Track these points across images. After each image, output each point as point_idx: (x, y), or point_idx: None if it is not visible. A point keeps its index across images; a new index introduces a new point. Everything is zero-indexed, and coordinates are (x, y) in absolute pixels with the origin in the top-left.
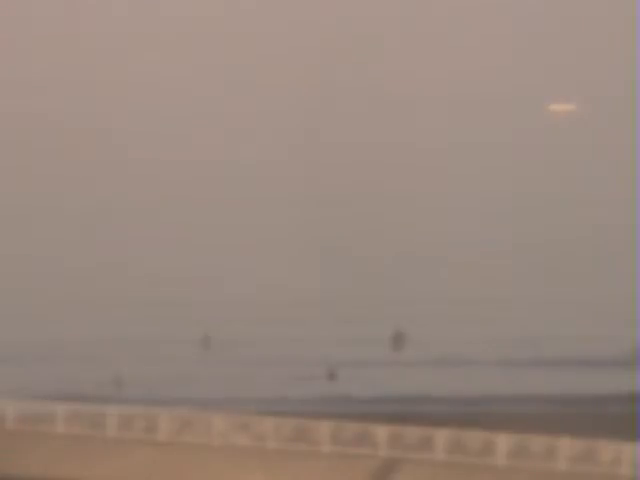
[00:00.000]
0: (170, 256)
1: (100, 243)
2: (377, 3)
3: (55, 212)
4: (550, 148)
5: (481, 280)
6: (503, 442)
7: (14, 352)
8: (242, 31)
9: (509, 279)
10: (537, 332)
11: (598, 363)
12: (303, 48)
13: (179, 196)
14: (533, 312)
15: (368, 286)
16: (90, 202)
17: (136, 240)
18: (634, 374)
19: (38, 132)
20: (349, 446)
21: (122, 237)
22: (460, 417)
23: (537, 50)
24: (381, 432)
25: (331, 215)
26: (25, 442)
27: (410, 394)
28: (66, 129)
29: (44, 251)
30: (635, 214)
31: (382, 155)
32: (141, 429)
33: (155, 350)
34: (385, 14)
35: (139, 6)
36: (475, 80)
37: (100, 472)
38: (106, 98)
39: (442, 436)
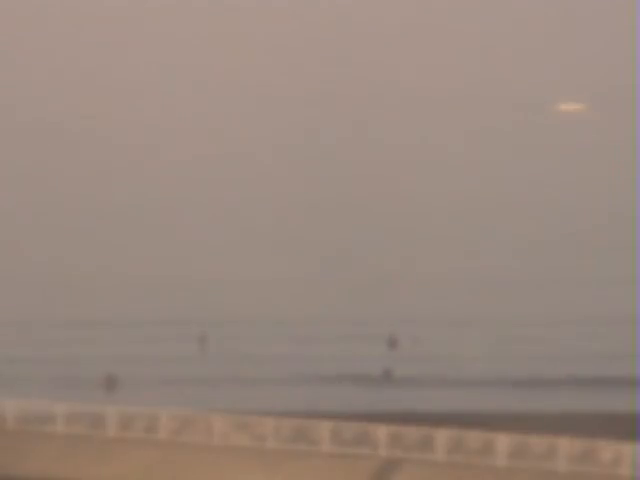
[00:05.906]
0: (169, 257)
1: (96, 244)
2: (380, 3)
3: (53, 214)
4: (551, 148)
5: (480, 293)
6: (503, 442)
7: (15, 355)
8: (242, 31)
9: (509, 291)
10: (537, 351)
11: (600, 381)
12: (304, 48)
13: (177, 197)
14: (534, 329)
15: (364, 299)
16: (85, 205)
17: (134, 241)
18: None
19: (37, 133)
20: (349, 446)
21: (119, 238)
22: (460, 417)
23: (539, 50)
24: (381, 432)
25: (331, 220)
26: (25, 442)
27: (405, 412)
28: (65, 129)
29: (42, 253)
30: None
31: (383, 156)
32: (141, 429)
33: (153, 351)
34: (387, 12)
35: (141, 7)
36: (477, 80)
37: (100, 472)
38: (107, 99)
39: (442, 436)
